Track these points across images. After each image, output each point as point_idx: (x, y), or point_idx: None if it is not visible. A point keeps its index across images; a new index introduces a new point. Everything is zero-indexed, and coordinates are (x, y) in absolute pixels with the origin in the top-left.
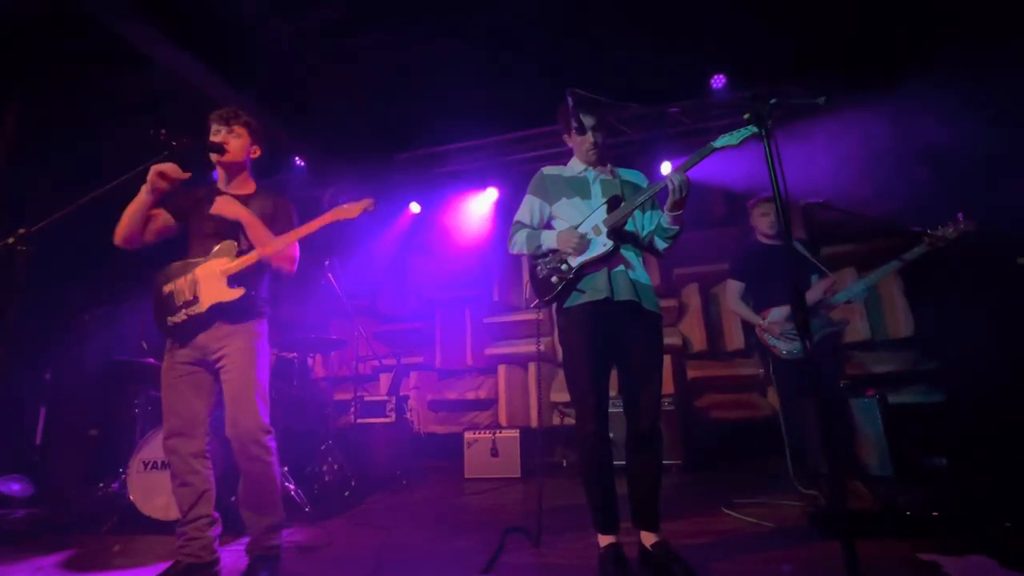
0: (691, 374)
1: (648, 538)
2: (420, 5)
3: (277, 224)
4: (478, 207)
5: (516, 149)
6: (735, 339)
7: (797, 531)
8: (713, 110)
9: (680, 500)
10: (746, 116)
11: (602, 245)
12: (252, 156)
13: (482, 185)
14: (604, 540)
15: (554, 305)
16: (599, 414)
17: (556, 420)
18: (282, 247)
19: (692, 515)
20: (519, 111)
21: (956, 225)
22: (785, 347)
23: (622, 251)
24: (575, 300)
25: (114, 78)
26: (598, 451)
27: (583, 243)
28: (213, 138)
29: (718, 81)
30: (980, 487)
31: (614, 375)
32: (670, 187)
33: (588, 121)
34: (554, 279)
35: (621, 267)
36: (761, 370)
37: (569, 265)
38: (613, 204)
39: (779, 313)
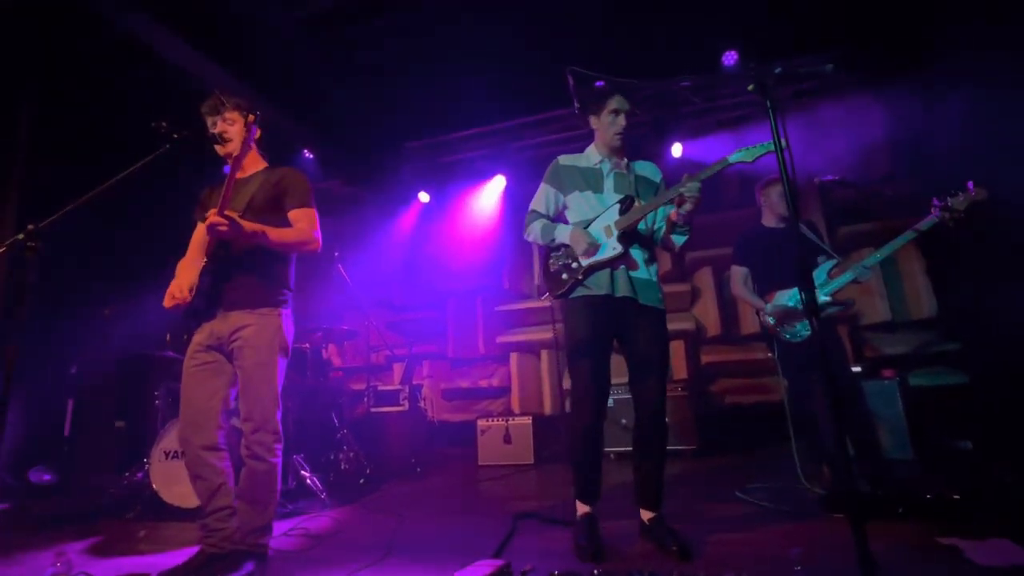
0: (705, 359)
1: (646, 514)
2: None
3: (288, 198)
4: (487, 195)
5: (525, 135)
6: (750, 323)
7: (809, 515)
8: (723, 88)
9: (693, 485)
10: (750, 87)
11: (612, 248)
12: (255, 136)
13: (491, 172)
14: (581, 508)
15: None
16: (597, 409)
17: (568, 407)
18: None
19: (705, 499)
20: (526, 96)
21: (967, 194)
22: (788, 330)
23: (631, 251)
24: (578, 292)
25: (123, 75)
26: (591, 442)
27: (593, 246)
28: (212, 130)
29: (730, 58)
30: (1006, 470)
31: (618, 362)
32: (687, 195)
33: (622, 104)
34: (564, 276)
35: (623, 267)
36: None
37: (579, 264)
38: (626, 205)
39: (781, 296)
